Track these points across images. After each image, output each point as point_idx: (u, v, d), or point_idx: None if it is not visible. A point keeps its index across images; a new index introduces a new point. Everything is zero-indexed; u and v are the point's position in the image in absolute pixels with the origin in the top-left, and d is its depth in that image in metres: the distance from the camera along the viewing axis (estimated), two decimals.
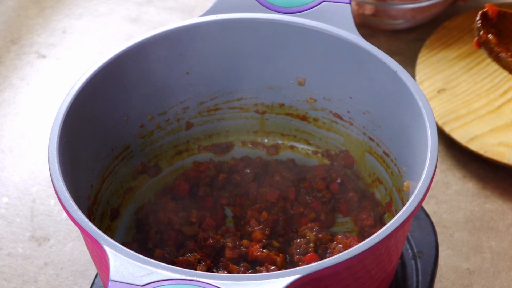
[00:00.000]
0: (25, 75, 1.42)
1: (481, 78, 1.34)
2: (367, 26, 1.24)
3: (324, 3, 1.06)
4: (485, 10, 0.98)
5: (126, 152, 1.09)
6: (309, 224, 1.05)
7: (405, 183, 1.00)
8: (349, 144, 1.12)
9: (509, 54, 0.98)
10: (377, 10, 1.19)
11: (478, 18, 0.96)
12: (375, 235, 0.86)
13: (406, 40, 1.47)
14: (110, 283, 0.80)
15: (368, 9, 1.21)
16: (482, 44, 0.98)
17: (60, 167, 0.92)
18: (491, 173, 1.25)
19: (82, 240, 1.15)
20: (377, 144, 1.08)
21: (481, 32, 0.97)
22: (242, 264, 1.01)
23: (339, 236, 1.02)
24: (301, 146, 1.16)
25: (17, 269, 1.14)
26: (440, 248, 1.14)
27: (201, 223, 1.07)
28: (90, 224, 0.87)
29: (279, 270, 0.98)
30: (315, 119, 1.13)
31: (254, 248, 1.01)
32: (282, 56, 1.08)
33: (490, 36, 0.97)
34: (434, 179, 0.91)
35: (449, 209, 1.21)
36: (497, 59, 0.98)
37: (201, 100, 1.12)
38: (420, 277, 1.05)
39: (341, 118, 1.11)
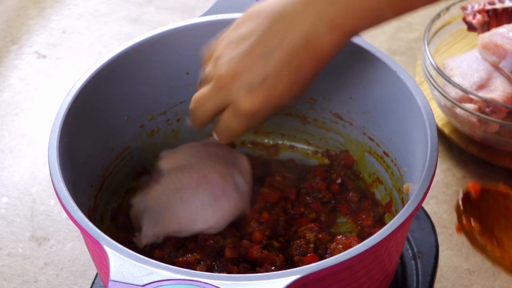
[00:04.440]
0: (25, 75, 1.42)
1: None
2: (487, 144, 1.23)
3: None
4: (467, 190, 0.92)
5: (126, 152, 1.09)
6: (308, 225, 1.05)
7: (404, 186, 1.00)
8: (349, 144, 1.12)
9: (494, 241, 0.93)
10: (501, 129, 1.19)
11: (459, 200, 0.90)
12: (375, 235, 0.86)
13: (406, 40, 1.47)
14: (110, 283, 0.80)
15: (492, 127, 1.20)
16: (465, 233, 0.92)
17: (60, 167, 0.92)
18: (491, 173, 1.24)
19: (82, 240, 1.15)
20: (377, 144, 1.08)
21: (464, 220, 0.92)
22: (241, 265, 1.01)
23: (339, 237, 1.02)
24: (301, 146, 1.16)
25: (17, 269, 1.14)
26: (440, 248, 1.14)
27: None
28: (90, 224, 0.87)
29: (278, 270, 0.98)
30: (315, 119, 1.13)
31: (254, 249, 1.01)
32: None
33: (473, 224, 0.92)
34: (434, 179, 0.91)
35: (449, 209, 1.21)
36: (482, 250, 0.92)
37: None
38: (420, 277, 1.05)
39: (341, 118, 1.11)
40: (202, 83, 0.97)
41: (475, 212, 0.92)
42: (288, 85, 0.91)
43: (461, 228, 0.91)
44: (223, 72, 0.93)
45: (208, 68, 0.96)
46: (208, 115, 0.97)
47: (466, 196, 0.92)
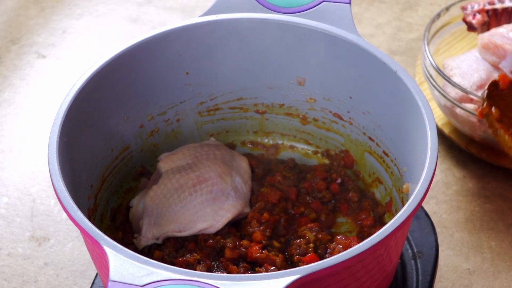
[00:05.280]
0: (25, 75, 1.42)
1: None
2: (487, 144, 1.22)
3: (324, 3, 1.06)
4: (496, 79, 0.93)
5: (126, 153, 1.09)
6: (308, 225, 1.05)
7: (404, 186, 1.00)
8: (349, 144, 1.12)
9: (510, 131, 0.94)
10: None
11: (486, 87, 0.92)
12: (375, 235, 0.86)
13: (406, 40, 1.47)
14: (110, 283, 0.80)
15: None
16: (485, 116, 0.94)
17: (60, 167, 0.92)
18: (491, 173, 1.25)
19: (82, 240, 1.15)
20: (377, 144, 1.08)
21: (485, 104, 0.93)
22: (241, 265, 1.01)
23: (339, 237, 1.02)
24: (301, 146, 1.16)
25: (17, 269, 1.14)
26: (440, 248, 1.14)
27: None
28: (90, 224, 0.87)
29: (278, 270, 0.98)
30: (315, 119, 1.13)
31: (254, 249, 1.01)
32: (282, 56, 1.08)
33: (493, 109, 0.93)
34: (434, 179, 0.91)
35: (449, 209, 1.21)
36: (495, 134, 0.94)
37: (201, 100, 1.12)
38: (420, 277, 1.05)
39: (341, 118, 1.11)
40: None
41: (499, 101, 0.92)
42: None
43: (481, 112, 0.92)
44: None
45: None
46: None
47: (494, 85, 0.93)
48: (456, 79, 1.23)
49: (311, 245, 1.02)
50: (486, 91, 0.93)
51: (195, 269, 0.98)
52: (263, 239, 1.04)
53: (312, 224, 1.05)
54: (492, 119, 0.93)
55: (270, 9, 1.06)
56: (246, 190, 1.08)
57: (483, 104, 0.93)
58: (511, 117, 0.95)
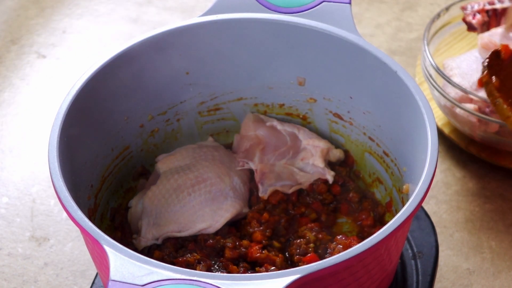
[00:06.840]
0: (25, 75, 1.42)
1: None
2: (487, 144, 1.23)
3: (324, 3, 1.06)
4: (498, 49, 0.93)
5: (126, 152, 1.09)
6: (308, 225, 1.05)
7: (404, 186, 1.00)
8: (349, 144, 1.12)
9: (509, 101, 0.94)
10: (501, 129, 1.19)
11: (488, 56, 0.92)
12: (375, 235, 0.86)
13: (406, 40, 1.47)
14: (110, 283, 0.80)
15: (492, 127, 1.20)
16: (484, 84, 0.93)
17: (60, 167, 0.92)
18: (491, 173, 1.25)
19: (82, 240, 1.15)
20: (377, 144, 1.08)
21: (485, 72, 0.93)
22: (241, 265, 1.01)
23: (339, 237, 1.02)
24: None
25: (17, 269, 1.14)
26: (440, 248, 1.14)
27: None
28: (90, 224, 0.87)
29: (278, 270, 0.98)
30: (315, 119, 1.13)
31: (254, 249, 1.01)
32: (282, 56, 1.08)
33: (493, 78, 0.93)
34: (434, 179, 0.91)
35: (449, 209, 1.21)
36: (494, 103, 0.93)
37: (201, 100, 1.12)
38: (420, 277, 1.05)
39: (341, 118, 1.11)
40: None
41: (500, 71, 0.92)
42: None
43: (481, 80, 0.92)
44: None
45: None
46: None
47: (496, 54, 0.92)
48: (456, 79, 1.23)
49: (311, 245, 1.02)
50: (487, 60, 0.92)
51: (195, 269, 0.98)
52: (263, 239, 1.04)
53: (312, 224, 1.05)
54: (492, 88, 0.93)
55: (270, 9, 1.06)
56: (245, 190, 1.08)
57: (483, 72, 0.92)
58: (510, 88, 0.94)
